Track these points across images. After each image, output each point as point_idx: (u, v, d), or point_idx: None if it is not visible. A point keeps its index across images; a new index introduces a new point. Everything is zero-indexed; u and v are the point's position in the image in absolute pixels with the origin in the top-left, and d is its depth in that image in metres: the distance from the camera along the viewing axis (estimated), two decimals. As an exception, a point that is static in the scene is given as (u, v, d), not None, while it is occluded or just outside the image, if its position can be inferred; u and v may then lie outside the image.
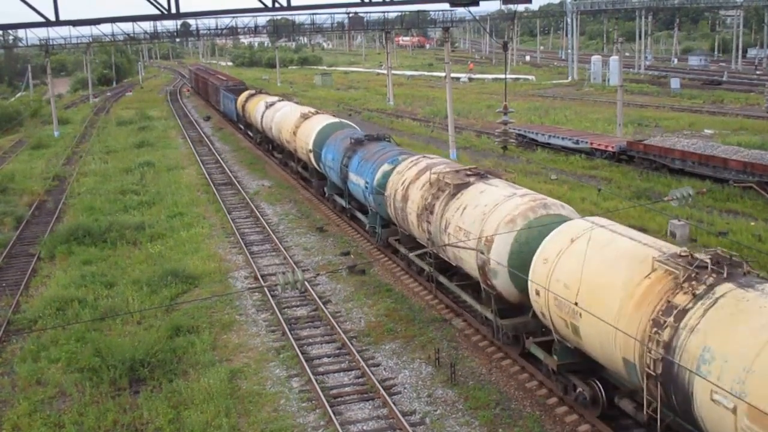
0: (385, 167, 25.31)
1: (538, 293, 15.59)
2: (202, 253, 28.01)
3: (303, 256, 27.74)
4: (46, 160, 52.41)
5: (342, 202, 31.69)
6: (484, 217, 18.01)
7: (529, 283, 15.87)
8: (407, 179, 22.99)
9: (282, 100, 48.58)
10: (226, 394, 17.04)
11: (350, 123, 35.69)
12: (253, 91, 57.85)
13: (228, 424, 15.81)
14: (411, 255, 23.45)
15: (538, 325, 17.13)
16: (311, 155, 34.28)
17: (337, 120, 35.41)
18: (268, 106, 46.20)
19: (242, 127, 59.52)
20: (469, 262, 18.71)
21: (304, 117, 37.28)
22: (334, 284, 24.54)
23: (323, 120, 35.44)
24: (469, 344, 19.50)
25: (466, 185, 20.03)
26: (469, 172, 20.92)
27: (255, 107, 50.31)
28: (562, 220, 16.71)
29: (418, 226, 21.80)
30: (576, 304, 14.04)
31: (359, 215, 29.83)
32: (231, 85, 72.49)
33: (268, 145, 48.56)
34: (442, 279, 21.70)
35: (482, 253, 17.64)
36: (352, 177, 28.24)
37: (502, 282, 17.44)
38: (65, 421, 16.29)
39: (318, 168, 34.29)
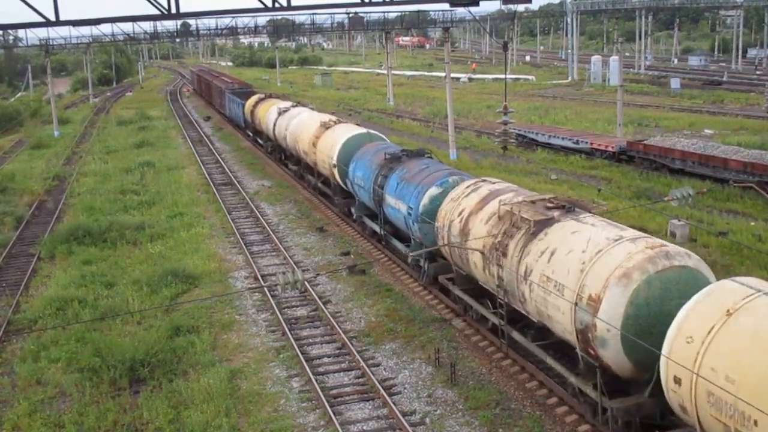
0: (433, 191, 21.68)
1: (677, 381, 11.79)
2: (202, 253, 28.02)
3: (303, 256, 27.75)
4: (46, 160, 52.42)
5: (374, 226, 27.58)
6: (584, 266, 14.38)
7: (663, 365, 12.15)
8: (466, 209, 19.27)
9: (296, 105, 44.44)
10: (226, 394, 17.05)
11: (379, 134, 31.93)
12: (262, 95, 52.98)
13: (228, 424, 15.81)
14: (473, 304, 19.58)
15: (655, 406, 13.73)
16: (335, 171, 30.57)
17: (364, 131, 31.41)
18: (281, 112, 42.03)
19: (250, 134, 55.66)
20: (562, 323, 15.00)
21: (325, 126, 33.44)
22: (334, 284, 24.54)
23: (348, 130, 31.69)
24: (469, 344, 19.49)
25: (551, 222, 16.28)
26: (550, 204, 17.21)
27: (266, 113, 46.04)
28: (690, 275, 13.62)
29: (484, 268, 18.05)
30: (749, 405, 10.32)
31: (397, 244, 25.63)
32: (237, 88, 67.82)
33: (281, 154, 44.69)
34: (516, 336, 17.70)
35: (584, 313, 14.07)
36: (390, 200, 24.28)
37: (612, 353, 13.77)
38: (65, 421, 16.29)
39: (343, 185, 30.56)
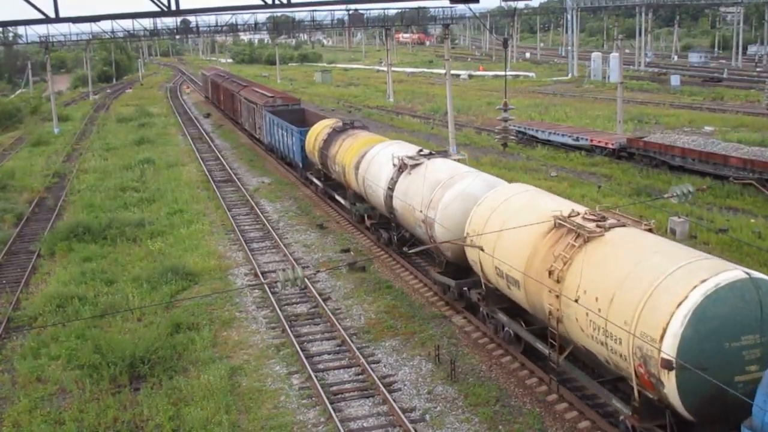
0: None
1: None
2: (202, 250, 28.02)
3: (303, 253, 27.75)
4: (46, 157, 52.39)
5: None
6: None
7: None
8: None
9: (431, 154, 24.40)
10: (226, 391, 17.05)
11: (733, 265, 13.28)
12: (338, 124, 33.30)
13: (228, 421, 15.81)
14: None
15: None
16: (668, 380, 12.10)
17: (745, 276, 12.45)
18: (407, 167, 23.61)
19: (316, 180, 35.85)
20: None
21: (581, 234, 14.86)
22: (334, 281, 24.55)
23: (674, 256, 13.30)
24: (469, 341, 19.51)
25: None
26: None
27: (357, 160, 27.84)
28: None
29: None
30: None
31: None
32: (280, 104, 47.41)
33: (395, 233, 26.09)
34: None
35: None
36: None
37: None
38: (65, 418, 16.29)
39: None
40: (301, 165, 38.35)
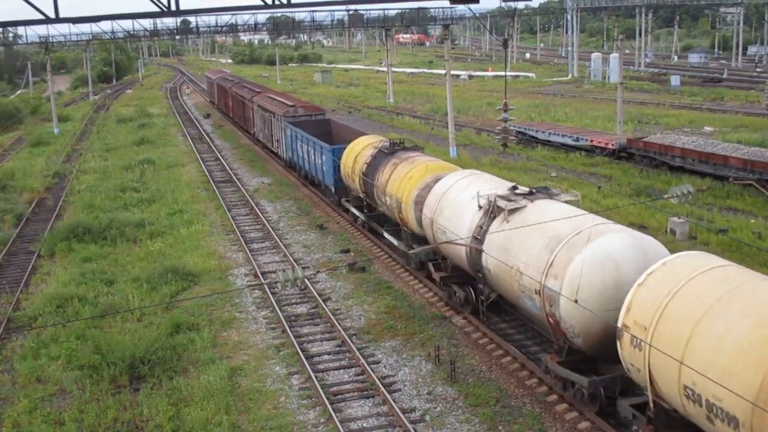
0: None
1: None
2: (202, 251, 28.02)
3: (303, 254, 27.74)
4: (46, 157, 52.39)
5: None
6: None
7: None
8: None
9: (532, 193, 18.21)
10: (226, 392, 17.04)
11: None
12: (385, 143, 27.48)
13: (228, 421, 15.81)
14: None
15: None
16: None
17: None
18: (501, 213, 17.62)
19: (358, 212, 29.42)
20: None
21: None
22: (334, 282, 24.54)
23: None
24: (469, 341, 19.50)
25: None
26: None
27: (422, 195, 22.16)
28: None
29: None
30: None
31: None
32: (302, 114, 41.24)
33: (494, 312, 20.34)
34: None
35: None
36: None
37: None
38: (65, 418, 16.28)
39: None
40: (333, 189, 32.03)
